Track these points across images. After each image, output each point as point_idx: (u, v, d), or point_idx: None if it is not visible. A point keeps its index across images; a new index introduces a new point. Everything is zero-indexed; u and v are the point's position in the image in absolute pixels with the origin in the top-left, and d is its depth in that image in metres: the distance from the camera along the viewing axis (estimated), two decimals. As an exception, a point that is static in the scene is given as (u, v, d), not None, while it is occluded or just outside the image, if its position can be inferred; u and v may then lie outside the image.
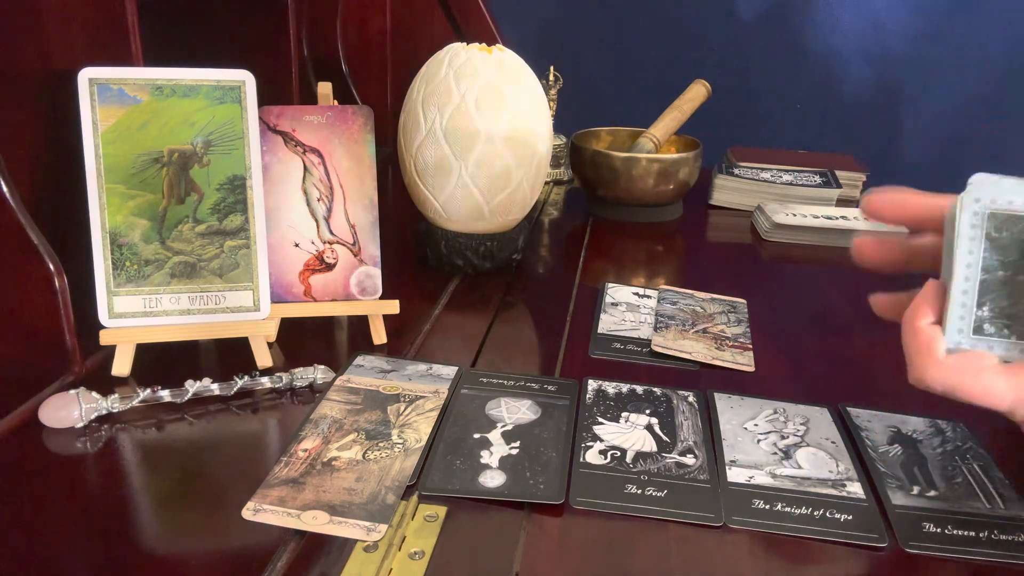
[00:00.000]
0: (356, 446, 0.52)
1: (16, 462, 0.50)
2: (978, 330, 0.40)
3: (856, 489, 0.50)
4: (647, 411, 0.58)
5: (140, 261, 0.59)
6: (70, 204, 0.60)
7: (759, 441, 0.55)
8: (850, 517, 0.48)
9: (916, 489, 0.51)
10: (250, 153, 0.61)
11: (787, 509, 0.48)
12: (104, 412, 0.54)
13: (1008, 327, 0.40)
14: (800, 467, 0.52)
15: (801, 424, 0.57)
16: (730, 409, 0.59)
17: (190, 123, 0.59)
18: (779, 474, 0.51)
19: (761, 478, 0.51)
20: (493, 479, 0.49)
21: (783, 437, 0.56)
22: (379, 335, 0.68)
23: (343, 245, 0.67)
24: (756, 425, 0.57)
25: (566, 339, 0.71)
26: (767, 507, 0.48)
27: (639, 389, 0.61)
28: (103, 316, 0.59)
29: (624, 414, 0.58)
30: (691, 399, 0.60)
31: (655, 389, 0.61)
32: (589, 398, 0.60)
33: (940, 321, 0.41)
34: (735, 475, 0.51)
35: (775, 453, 0.54)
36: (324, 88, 0.66)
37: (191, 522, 0.46)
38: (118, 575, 0.42)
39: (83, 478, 0.50)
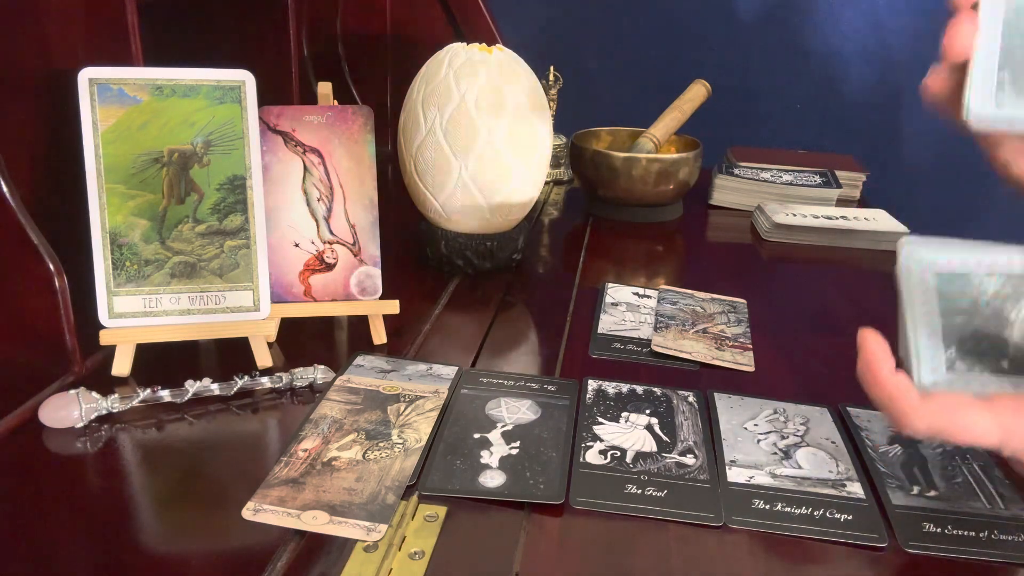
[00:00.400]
0: (356, 446, 0.52)
1: (16, 462, 0.50)
2: (950, 368, 0.40)
3: (856, 489, 0.50)
4: (647, 411, 0.58)
5: (140, 261, 0.59)
6: (70, 204, 0.60)
7: (759, 441, 0.55)
8: (850, 517, 0.48)
9: (916, 489, 0.51)
10: (250, 153, 0.61)
11: (787, 509, 0.48)
12: (104, 412, 0.54)
13: (979, 364, 0.40)
14: (800, 467, 0.52)
15: (801, 424, 0.57)
16: (730, 409, 0.59)
17: (190, 123, 0.59)
18: (779, 474, 0.51)
19: (761, 478, 0.51)
20: (493, 479, 0.49)
21: (783, 437, 0.56)
22: (379, 335, 0.68)
23: (343, 245, 0.67)
24: (756, 425, 0.57)
25: (566, 339, 0.71)
26: (767, 507, 0.48)
27: (639, 389, 0.61)
28: (103, 316, 0.59)
29: (624, 414, 0.58)
30: (691, 399, 0.60)
31: (655, 389, 0.61)
32: (589, 398, 0.60)
33: (899, 364, 0.40)
34: (735, 475, 0.51)
35: (775, 453, 0.54)
36: (324, 88, 0.66)
37: (191, 522, 0.46)
38: (118, 575, 0.42)
39: (83, 478, 0.50)
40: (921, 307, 0.40)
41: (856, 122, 1.49)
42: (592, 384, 0.62)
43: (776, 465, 0.52)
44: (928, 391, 0.39)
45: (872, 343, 0.40)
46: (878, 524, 0.47)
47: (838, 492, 0.50)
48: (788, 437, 0.56)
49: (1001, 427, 0.38)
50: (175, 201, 0.60)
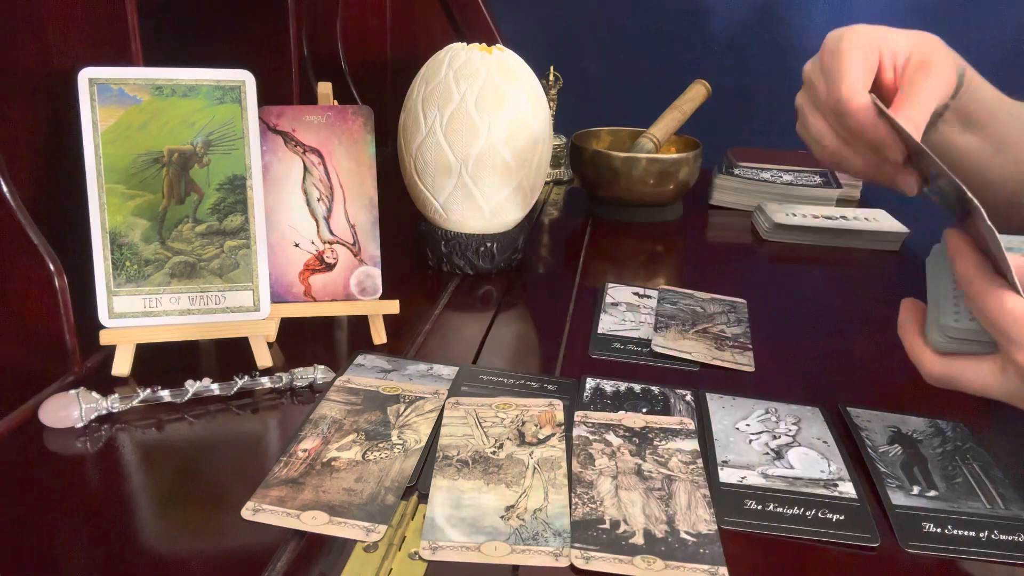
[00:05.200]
0: (356, 447, 0.52)
1: (16, 462, 0.50)
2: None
3: (848, 489, 0.50)
4: (643, 409, 0.58)
5: (140, 261, 0.59)
6: (70, 204, 0.60)
7: (751, 441, 0.55)
8: (842, 517, 0.48)
9: (916, 489, 0.51)
10: (250, 153, 0.61)
11: (779, 509, 0.48)
12: (104, 412, 0.54)
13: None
14: (792, 467, 0.52)
15: (793, 424, 0.57)
16: (722, 409, 0.59)
17: (190, 123, 0.59)
18: (771, 474, 0.51)
19: (753, 478, 0.51)
20: (492, 479, 0.49)
21: (775, 437, 0.56)
22: (379, 335, 0.68)
23: (343, 245, 0.67)
24: (748, 425, 0.57)
25: (566, 339, 0.71)
26: (759, 507, 0.48)
27: (637, 387, 0.61)
28: (103, 316, 0.59)
29: (620, 412, 0.58)
30: (688, 398, 0.60)
31: (653, 388, 0.61)
32: (586, 396, 0.60)
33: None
34: (727, 475, 0.51)
35: (767, 453, 0.54)
36: (324, 88, 0.66)
37: (191, 522, 0.46)
38: (118, 575, 0.42)
39: (83, 478, 0.50)
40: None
41: (856, 122, 1.49)
42: (590, 382, 0.62)
43: (768, 465, 0.52)
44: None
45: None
46: (870, 524, 0.47)
47: (830, 492, 0.50)
48: (780, 437, 0.56)
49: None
50: (175, 201, 0.60)
